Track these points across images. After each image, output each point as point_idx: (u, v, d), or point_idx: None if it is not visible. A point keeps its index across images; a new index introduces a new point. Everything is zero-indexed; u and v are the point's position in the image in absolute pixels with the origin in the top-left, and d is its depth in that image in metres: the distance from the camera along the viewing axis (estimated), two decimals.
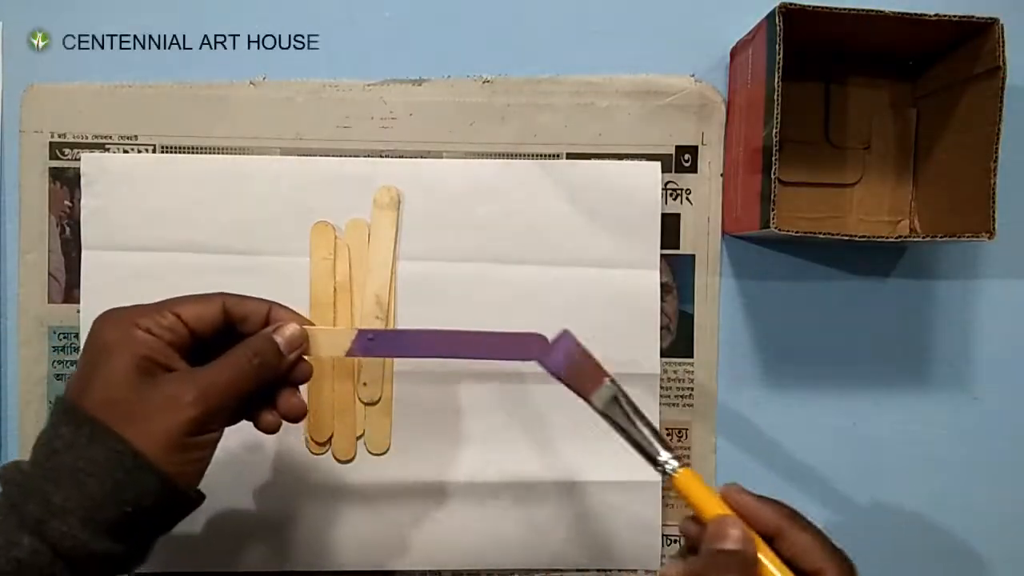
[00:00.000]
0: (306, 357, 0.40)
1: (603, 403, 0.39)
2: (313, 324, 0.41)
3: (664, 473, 0.37)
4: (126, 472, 0.32)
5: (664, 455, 0.37)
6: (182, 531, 0.48)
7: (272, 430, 0.39)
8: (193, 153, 0.49)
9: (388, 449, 0.49)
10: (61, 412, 0.34)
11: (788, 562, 0.34)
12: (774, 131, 0.42)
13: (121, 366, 0.34)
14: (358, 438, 0.49)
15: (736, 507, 0.36)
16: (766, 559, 0.34)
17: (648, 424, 0.38)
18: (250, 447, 0.48)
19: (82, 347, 0.36)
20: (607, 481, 0.49)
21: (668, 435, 0.50)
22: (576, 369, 0.40)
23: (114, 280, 0.48)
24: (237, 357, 0.36)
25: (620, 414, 0.38)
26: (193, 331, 0.36)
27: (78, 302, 0.48)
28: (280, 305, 0.39)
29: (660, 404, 0.50)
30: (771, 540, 0.35)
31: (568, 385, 0.39)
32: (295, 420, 0.39)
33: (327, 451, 0.49)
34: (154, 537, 0.36)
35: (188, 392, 0.34)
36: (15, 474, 0.33)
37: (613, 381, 0.39)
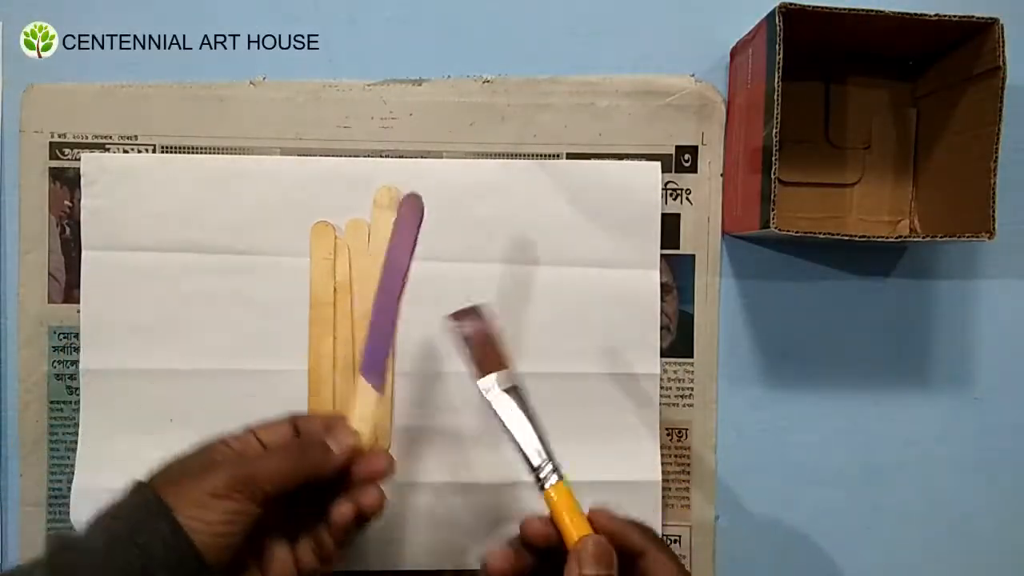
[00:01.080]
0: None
1: (495, 388, 0.37)
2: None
3: (538, 481, 0.36)
4: (147, 514, 0.34)
5: (540, 462, 0.36)
6: None
7: (342, 521, 0.38)
8: (193, 153, 0.49)
9: (388, 449, 0.49)
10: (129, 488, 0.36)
11: None
12: (774, 131, 0.42)
13: (190, 462, 0.37)
14: None
15: (602, 528, 0.36)
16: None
17: (539, 430, 0.37)
18: None
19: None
20: (607, 481, 0.49)
21: (668, 435, 0.50)
22: (483, 344, 0.38)
23: (114, 280, 0.48)
24: (283, 446, 0.38)
25: (508, 408, 0.37)
26: (266, 447, 0.38)
27: (78, 302, 0.48)
28: (342, 418, 0.40)
29: (660, 404, 0.50)
30: (634, 558, 0.36)
31: (469, 355, 0.38)
32: (371, 513, 0.38)
33: None
34: None
35: (224, 464, 0.36)
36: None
37: (515, 375, 0.38)
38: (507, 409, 0.37)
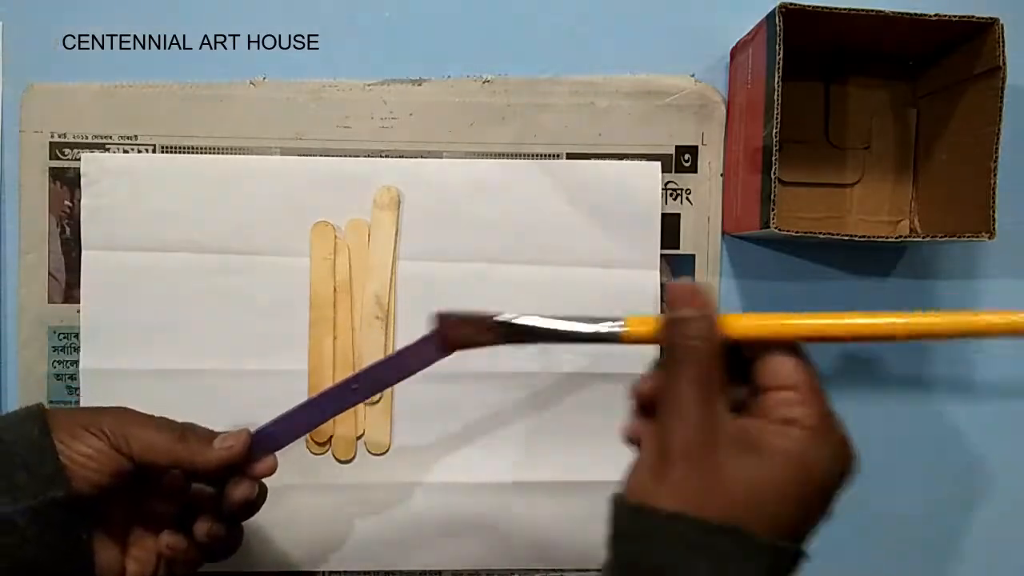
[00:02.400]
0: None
1: (506, 336, 0.36)
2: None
3: (612, 338, 0.34)
4: (22, 418, 0.36)
5: (594, 328, 0.34)
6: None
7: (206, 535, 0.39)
8: (193, 153, 0.49)
9: (388, 449, 0.49)
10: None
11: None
12: (774, 131, 0.42)
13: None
14: (358, 438, 0.49)
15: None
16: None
17: (557, 316, 0.35)
18: None
19: None
20: (607, 481, 0.49)
21: None
22: (467, 332, 0.37)
23: (114, 280, 0.48)
24: (169, 421, 0.39)
25: (525, 330, 0.36)
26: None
27: (78, 302, 0.48)
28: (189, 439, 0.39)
29: None
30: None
31: (474, 345, 0.37)
32: (240, 506, 0.39)
33: (327, 451, 0.49)
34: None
35: (116, 412, 0.38)
36: None
37: (498, 317, 0.36)
38: (524, 321, 0.36)
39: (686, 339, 0.32)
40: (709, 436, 0.30)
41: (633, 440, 0.35)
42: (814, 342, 0.33)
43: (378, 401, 0.49)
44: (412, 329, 0.48)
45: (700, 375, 0.31)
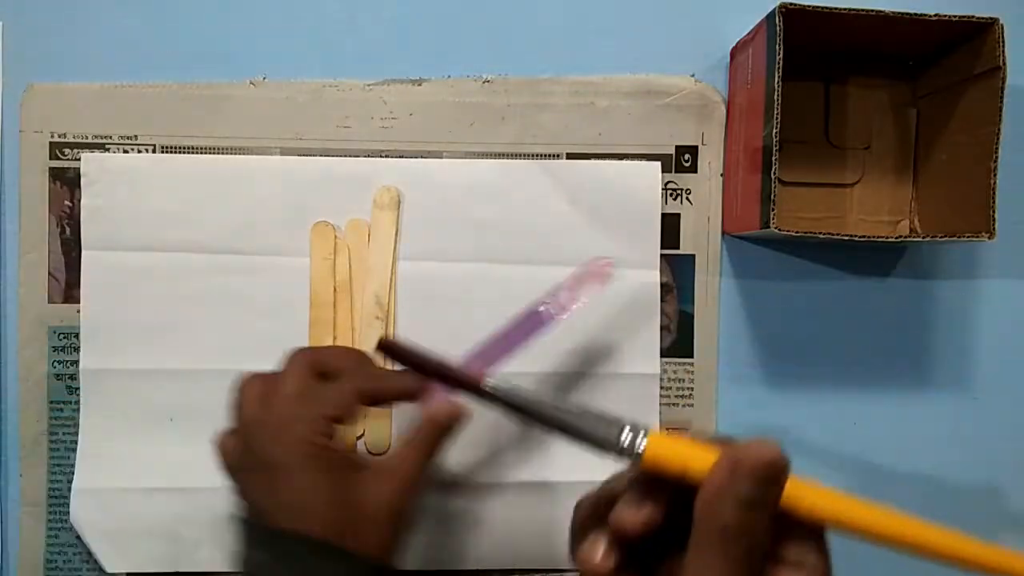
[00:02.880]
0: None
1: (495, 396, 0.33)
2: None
3: (627, 454, 0.28)
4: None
5: (615, 434, 0.28)
6: (184, 533, 0.48)
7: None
8: (193, 153, 0.49)
9: (388, 449, 0.49)
10: (294, 545, 0.34)
11: None
12: (774, 131, 0.42)
13: (322, 488, 0.34)
14: (358, 438, 0.49)
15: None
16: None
17: (574, 409, 0.30)
18: None
19: (254, 465, 0.36)
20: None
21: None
22: (444, 371, 0.36)
23: (114, 280, 0.48)
24: (417, 447, 0.37)
25: (540, 416, 0.31)
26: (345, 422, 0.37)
27: (78, 302, 0.48)
28: (396, 375, 0.39)
29: (660, 404, 0.50)
30: None
31: (452, 384, 0.36)
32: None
33: None
34: None
35: (396, 496, 0.36)
36: None
37: (493, 384, 0.34)
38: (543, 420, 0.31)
39: (739, 512, 0.26)
40: None
41: (603, 570, 0.28)
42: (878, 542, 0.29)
43: None
44: (412, 329, 0.48)
45: (744, 559, 0.26)
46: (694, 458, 0.27)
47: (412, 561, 0.49)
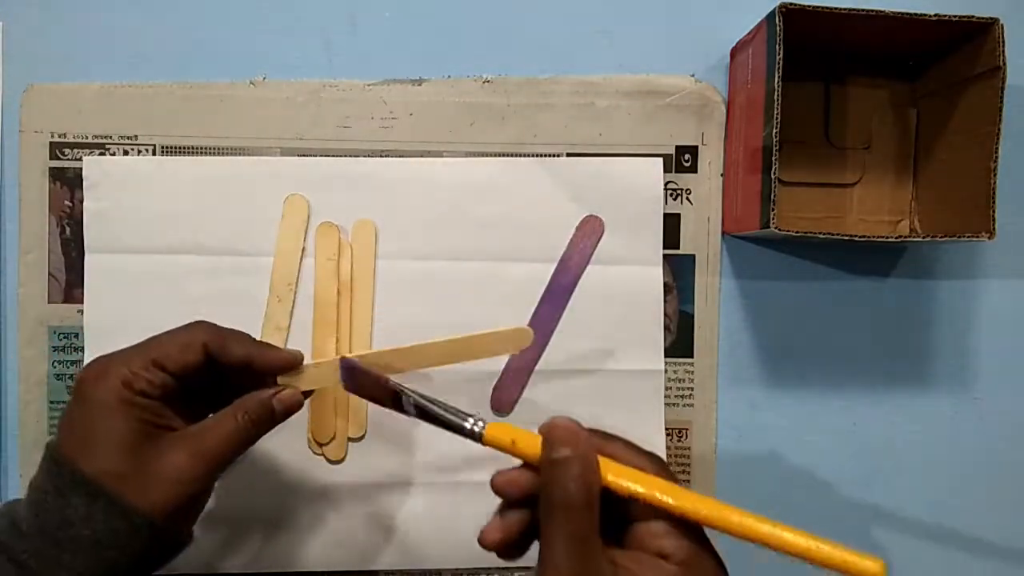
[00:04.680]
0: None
1: (400, 404, 0.37)
2: (297, 353, 0.41)
3: (474, 436, 0.34)
4: (143, 541, 0.34)
5: (468, 421, 0.35)
6: None
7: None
8: (193, 153, 0.49)
9: (363, 435, 0.49)
10: (70, 480, 0.34)
11: None
12: (774, 131, 0.42)
13: (123, 433, 0.35)
14: (351, 439, 0.49)
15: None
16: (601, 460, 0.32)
17: (439, 403, 0.36)
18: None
19: (72, 401, 0.37)
20: None
21: (668, 435, 0.50)
22: (369, 386, 0.38)
23: (117, 283, 0.48)
24: (235, 424, 0.38)
25: (412, 405, 0.36)
26: (180, 379, 0.38)
27: (78, 302, 0.48)
28: (264, 344, 0.40)
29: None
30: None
31: (373, 400, 0.38)
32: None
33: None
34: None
35: (191, 464, 0.36)
36: (26, 542, 0.34)
37: (394, 382, 0.38)
38: (415, 408, 0.36)
39: (565, 482, 0.31)
40: None
41: (490, 544, 0.33)
42: (686, 519, 0.31)
43: None
44: (410, 329, 0.48)
45: (576, 526, 0.30)
46: (520, 438, 0.33)
47: (413, 560, 0.49)
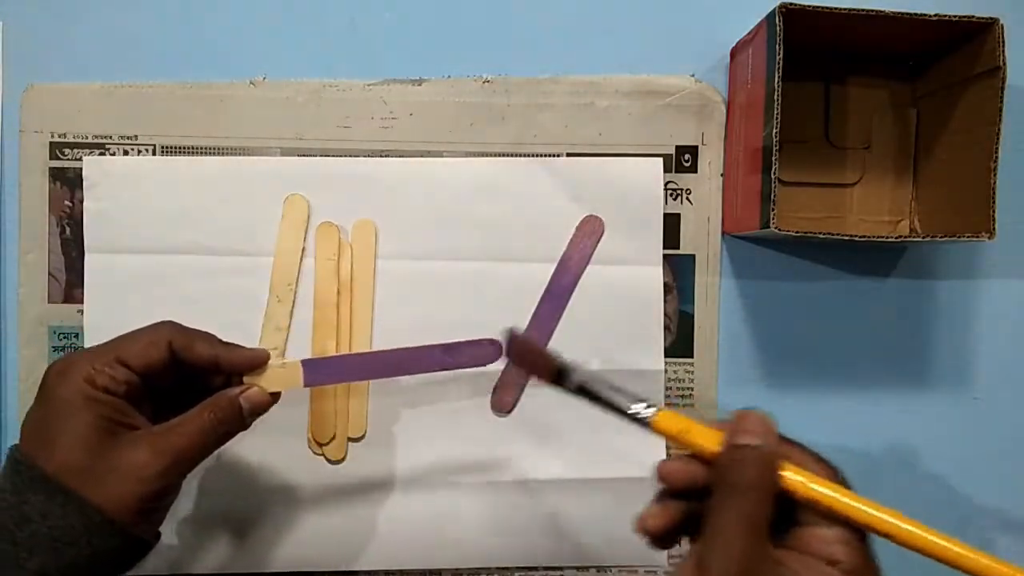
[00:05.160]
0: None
1: (569, 381, 0.36)
2: (263, 352, 0.41)
3: (642, 421, 0.34)
4: (103, 539, 0.34)
5: (639, 406, 0.34)
6: (183, 533, 0.48)
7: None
8: (193, 153, 0.49)
9: (363, 435, 0.49)
10: (28, 477, 0.34)
11: None
12: (774, 131, 0.42)
13: (83, 430, 0.35)
14: (351, 439, 0.49)
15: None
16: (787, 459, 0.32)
17: (607, 383, 0.35)
18: (249, 448, 0.48)
19: (36, 400, 0.37)
20: (612, 478, 0.49)
21: None
22: (532, 360, 0.38)
23: (117, 283, 0.48)
24: (201, 422, 0.37)
25: (575, 384, 0.35)
26: (145, 378, 0.37)
27: (78, 302, 0.48)
28: (230, 344, 0.40)
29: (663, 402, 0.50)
30: None
31: (533, 376, 0.38)
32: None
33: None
34: None
35: (153, 461, 0.35)
36: None
37: (562, 359, 0.37)
38: (576, 389, 0.35)
39: (747, 467, 0.31)
40: (750, 573, 0.29)
41: (652, 529, 0.33)
42: (869, 531, 0.32)
43: None
44: (409, 329, 0.48)
45: (752, 510, 0.30)
46: (694, 428, 0.33)
47: (413, 560, 0.49)
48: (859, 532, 0.31)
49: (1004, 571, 0.30)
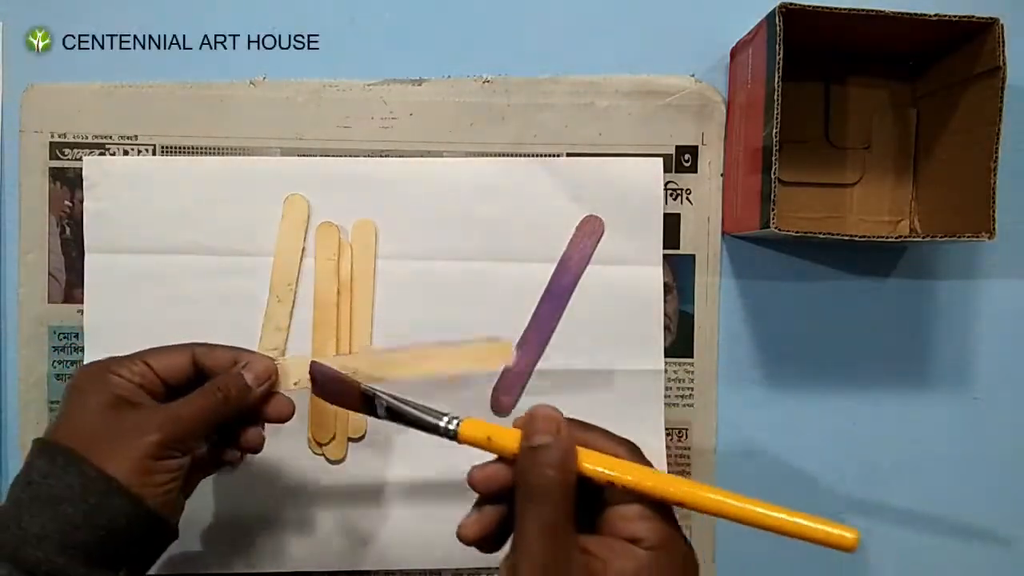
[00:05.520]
0: (283, 392, 0.41)
1: (372, 407, 0.37)
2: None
3: (448, 436, 0.35)
4: (99, 496, 0.34)
5: (436, 421, 0.35)
6: (183, 533, 0.48)
7: (233, 461, 0.41)
8: (193, 153, 0.49)
9: (363, 436, 0.49)
10: (36, 449, 0.35)
11: None
12: (774, 131, 0.42)
13: (93, 403, 0.36)
14: (351, 439, 0.49)
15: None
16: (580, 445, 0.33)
17: (412, 403, 0.36)
18: None
19: (62, 398, 0.38)
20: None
21: (668, 435, 0.50)
22: (337, 390, 0.39)
23: (117, 283, 0.48)
24: (203, 391, 0.38)
25: (384, 408, 0.37)
26: (164, 379, 0.38)
27: (78, 302, 0.48)
28: (248, 351, 0.41)
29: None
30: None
31: (340, 405, 0.39)
32: (253, 452, 0.41)
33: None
34: (135, 569, 0.36)
35: (152, 420, 0.36)
36: None
37: (365, 385, 0.38)
38: (387, 410, 0.37)
39: (542, 469, 0.31)
40: (556, 574, 0.30)
41: (468, 538, 0.34)
42: (663, 501, 0.32)
43: None
44: (409, 329, 0.48)
45: (550, 512, 0.31)
46: (496, 433, 0.34)
47: (413, 560, 0.49)
48: (661, 508, 0.32)
49: (800, 522, 0.31)
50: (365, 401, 0.37)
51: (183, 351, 0.39)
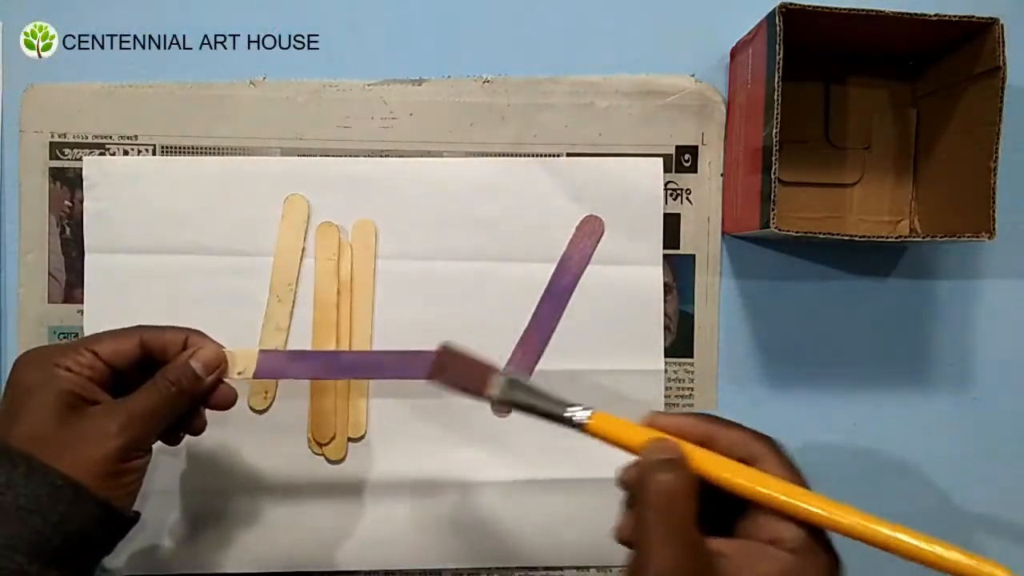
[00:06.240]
0: (227, 380, 0.41)
1: (502, 392, 0.37)
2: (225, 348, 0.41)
3: (578, 426, 0.35)
4: (68, 505, 0.34)
5: (571, 410, 0.35)
6: (183, 533, 0.48)
7: (176, 442, 0.41)
8: (193, 153, 0.49)
9: (363, 435, 0.49)
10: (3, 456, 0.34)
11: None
12: (774, 131, 0.42)
13: (46, 402, 0.35)
14: (350, 439, 0.49)
15: (660, 428, 0.34)
16: (698, 454, 0.32)
17: (545, 393, 0.36)
18: (249, 447, 0.48)
19: (3, 389, 0.37)
20: (606, 478, 0.49)
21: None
22: (463, 374, 0.39)
23: (117, 283, 0.48)
24: (156, 385, 0.38)
25: (522, 395, 0.36)
26: (111, 366, 0.38)
27: (78, 302, 0.48)
28: (197, 332, 0.40)
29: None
30: (705, 445, 0.33)
31: (463, 391, 0.38)
32: (195, 435, 0.41)
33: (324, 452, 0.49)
34: (97, 561, 0.37)
35: (112, 423, 0.36)
36: None
37: (505, 368, 0.38)
38: (524, 398, 0.36)
39: (656, 483, 0.31)
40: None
41: (623, 539, 0.33)
42: (785, 514, 0.31)
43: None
44: (408, 328, 0.48)
45: (672, 522, 0.30)
46: (624, 432, 0.34)
47: (414, 560, 0.49)
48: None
49: (946, 555, 0.30)
50: (498, 387, 0.37)
51: (130, 336, 0.38)
